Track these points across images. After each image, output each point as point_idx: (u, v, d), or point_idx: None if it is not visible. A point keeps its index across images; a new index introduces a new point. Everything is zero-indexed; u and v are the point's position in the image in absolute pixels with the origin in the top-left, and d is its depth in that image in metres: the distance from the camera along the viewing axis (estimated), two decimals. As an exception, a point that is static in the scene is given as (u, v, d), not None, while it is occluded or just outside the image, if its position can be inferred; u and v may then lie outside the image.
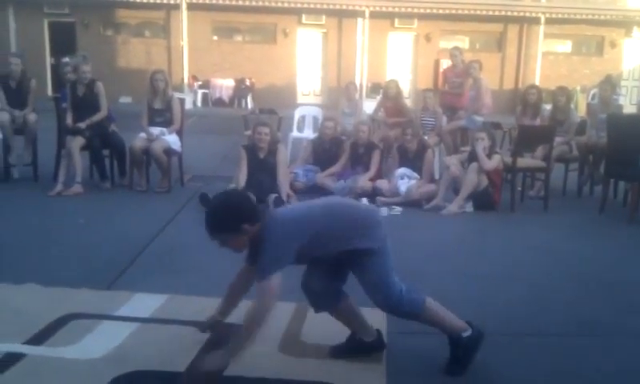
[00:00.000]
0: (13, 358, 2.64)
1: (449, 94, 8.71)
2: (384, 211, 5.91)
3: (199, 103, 17.78)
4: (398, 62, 19.20)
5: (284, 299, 3.29)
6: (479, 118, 7.85)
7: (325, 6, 18.15)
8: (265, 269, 2.29)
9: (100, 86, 6.59)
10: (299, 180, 6.65)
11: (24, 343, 2.80)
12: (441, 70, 13.55)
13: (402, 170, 6.43)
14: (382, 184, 6.45)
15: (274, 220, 2.44)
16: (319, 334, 3.00)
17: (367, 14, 18.36)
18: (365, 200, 6.19)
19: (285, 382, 2.56)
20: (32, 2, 17.67)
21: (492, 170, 6.00)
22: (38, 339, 2.86)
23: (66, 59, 9.63)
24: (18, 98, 6.76)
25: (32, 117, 6.72)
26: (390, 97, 8.06)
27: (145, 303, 3.31)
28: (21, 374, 2.56)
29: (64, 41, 17.72)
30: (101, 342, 2.84)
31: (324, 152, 7.00)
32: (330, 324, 3.09)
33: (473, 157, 6.11)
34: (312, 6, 18.08)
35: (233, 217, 2.38)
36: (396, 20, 18.85)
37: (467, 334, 2.66)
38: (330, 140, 7.01)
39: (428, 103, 7.92)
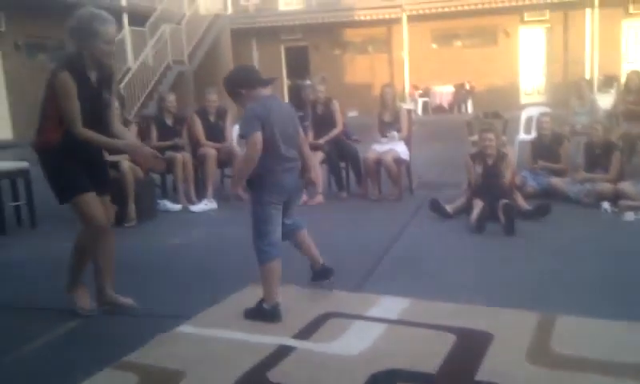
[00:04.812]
0: (286, 350, 3.04)
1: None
2: (629, 216, 5.49)
3: (420, 111, 18.07)
4: (635, 50, 17.45)
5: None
6: None
7: (548, 1, 17.25)
8: (244, 130, 3.28)
9: (335, 104, 7.15)
10: (529, 184, 6.47)
11: (292, 337, 3.19)
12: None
13: (650, 171, 5.90)
14: (626, 186, 5.96)
15: (257, 100, 3.33)
16: (570, 346, 2.93)
17: (597, 3, 17.06)
18: (606, 204, 5.81)
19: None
20: (270, 31, 19.58)
21: None
22: (304, 334, 3.24)
23: (307, 82, 10.59)
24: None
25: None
26: (632, 90, 7.44)
27: (392, 305, 3.54)
28: (295, 365, 2.91)
29: (298, 63, 19.39)
30: (357, 340, 3.12)
31: (545, 150, 6.74)
32: (581, 336, 3.01)
33: None
34: (535, 1, 17.30)
35: (233, 82, 3.41)
36: (630, 6, 17.16)
37: (266, 305, 3.34)
38: (549, 136, 6.72)
39: (677, 95, 7.14)
